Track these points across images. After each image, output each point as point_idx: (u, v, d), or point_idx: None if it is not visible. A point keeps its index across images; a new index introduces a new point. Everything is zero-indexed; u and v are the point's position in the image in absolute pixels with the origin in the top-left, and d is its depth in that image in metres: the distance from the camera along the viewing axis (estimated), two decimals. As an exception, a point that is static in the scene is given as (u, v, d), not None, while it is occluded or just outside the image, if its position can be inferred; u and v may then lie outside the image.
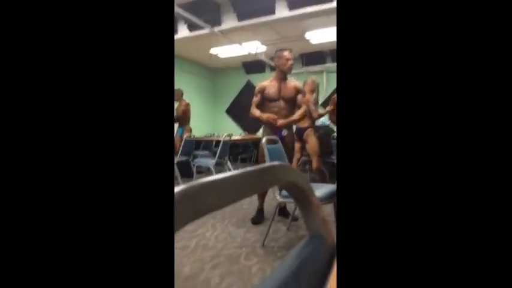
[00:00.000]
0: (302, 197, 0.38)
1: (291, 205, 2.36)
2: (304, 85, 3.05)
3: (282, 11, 3.46)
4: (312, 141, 3.16)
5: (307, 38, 4.57)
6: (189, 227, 2.10)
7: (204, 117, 6.60)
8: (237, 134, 6.36)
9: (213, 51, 5.31)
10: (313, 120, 3.27)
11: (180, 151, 3.59)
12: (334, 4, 3.11)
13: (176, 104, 4.21)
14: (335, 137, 3.91)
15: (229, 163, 4.09)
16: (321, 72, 5.77)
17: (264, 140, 1.87)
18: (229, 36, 4.05)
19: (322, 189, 1.72)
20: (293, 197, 0.39)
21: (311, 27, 4.22)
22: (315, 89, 3.42)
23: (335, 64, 5.32)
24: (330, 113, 3.53)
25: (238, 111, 6.67)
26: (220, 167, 4.00)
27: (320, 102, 5.86)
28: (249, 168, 0.28)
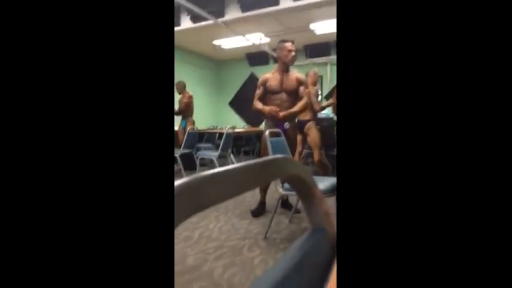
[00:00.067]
0: (305, 190, 0.38)
1: (293, 197, 2.36)
2: (306, 77, 3.02)
3: (286, 2, 3.40)
4: (313, 134, 3.14)
5: (312, 29, 4.50)
6: (193, 219, 2.12)
7: (207, 109, 6.59)
8: (241, 126, 6.36)
9: (217, 42, 5.27)
10: (314, 112, 3.25)
11: (183, 144, 3.60)
12: (339, -6, 3.05)
13: (179, 97, 4.19)
14: (339, 129, 3.89)
15: (232, 156, 4.11)
16: (325, 64, 5.70)
17: (267, 133, 1.86)
18: (232, 28, 4.01)
19: (324, 182, 1.72)
20: (296, 190, 0.39)
21: (316, 19, 4.16)
22: (317, 81, 3.38)
23: (339, 56, 5.24)
24: (334, 105, 3.51)
25: (241, 103, 6.65)
26: (223, 159, 4.02)
27: (324, 94, 5.83)
28: (252, 161, 0.28)
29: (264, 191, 2.34)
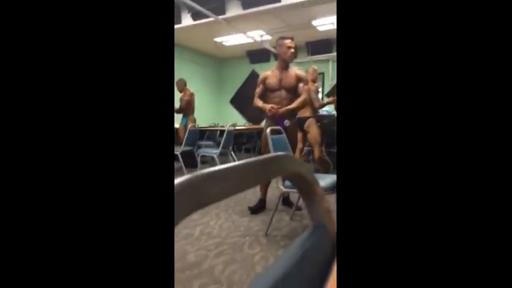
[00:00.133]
0: (306, 187, 0.38)
1: (294, 195, 2.37)
2: (306, 74, 3.01)
3: (287, -2, 3.39)
4: (314, 131, 3.14)
5: (314, 25, 4.48)
6: (194, 216, 2.13)
7: (208, 107, 6.59)
8: (242, 124, 6.35)
9: (218, 40, 5.25)
10: (314, 109, 3.24)
11: (184, 141, 3.60)
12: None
13: (180, 95, 4.19)
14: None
15: (233, 153, 4.11)
16: (327, 61, 5.68)
17: (268, 130, 1.86)
18: (233, 25, 3.99)
19: (325, 180, 1.72)
20: (297, 187, 0.39)
21: (317, 15, 4.13)
22: (316, 78, 3.37)
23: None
24: (336, 102, 3.50)
25: (242, 101, 6.64)
26: (224, 157, 4.02)
27: (325, 92, 5.81)
28: (253, 159, 0.28)
29: (264, 189, 2.34)
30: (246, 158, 0.27)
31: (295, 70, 2.19)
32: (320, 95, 5.66)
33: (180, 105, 4.13)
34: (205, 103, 6.36)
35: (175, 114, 3.93)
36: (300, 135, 3.21)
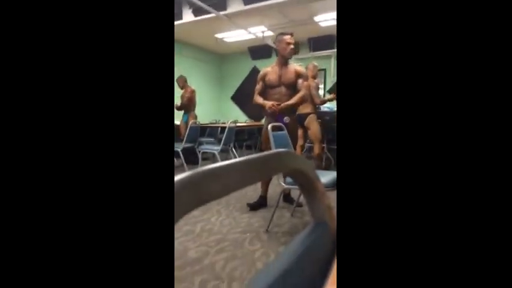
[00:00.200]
0: (307, 184, 0.38)
1: (295, 191, 2.37)
2: (306, 70, 2.99)
3: (289, -6, 3.36)
4: (314, 128, 3.13)
5: (317, 21, 4.44)
6: (194, 212, 2.13)
7: (209, 103, 6.58)
8: (243, 120, 6.35)
9: (219, 36, 5.23)
10: (315, 106, 3.23)
11: (185, 138, 3.60)
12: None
13: (181, 91, 4.18)
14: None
15: (234, 150, 4.11)
16: (329, 57, 5.64)
17: (269, 127, 1.86)
18: (235, 21, 3.97)
19: (326, 176, 1.72)
20: (298, 184, 0.39)
21: (320, 11, 4.10)
22: (316, 74, 3.35)
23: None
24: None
25: (243, 97, 6.63)
26: (225, 153, 4.02)
27: (327, 88, 5.79)
28: (254, 155, 0.28)
29: (265, 186, 2.34)
30: (247, 155, 0.27)
31: (294, 66, 2.17)
32: (322, 92, 5.63)
33: (182, 102, 4.13)
34: (207, 100, 6.35)
35: (177, 111, 3.93)
36: (300, 131, 3.20)
